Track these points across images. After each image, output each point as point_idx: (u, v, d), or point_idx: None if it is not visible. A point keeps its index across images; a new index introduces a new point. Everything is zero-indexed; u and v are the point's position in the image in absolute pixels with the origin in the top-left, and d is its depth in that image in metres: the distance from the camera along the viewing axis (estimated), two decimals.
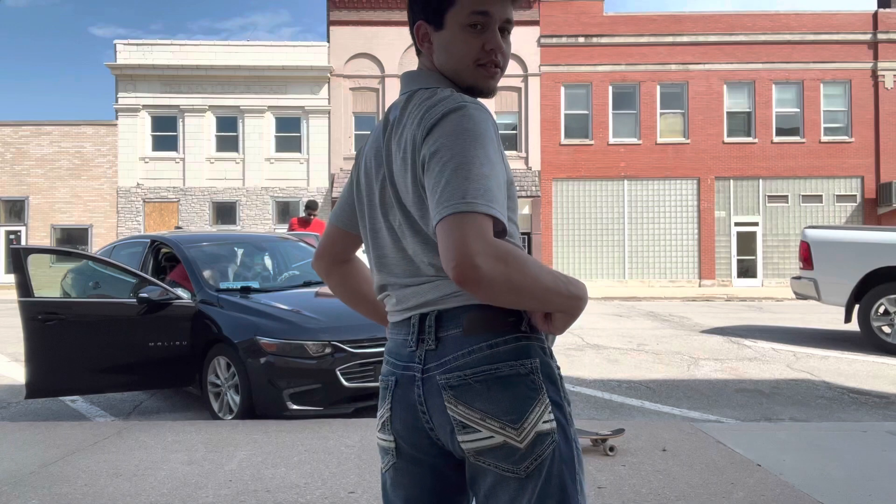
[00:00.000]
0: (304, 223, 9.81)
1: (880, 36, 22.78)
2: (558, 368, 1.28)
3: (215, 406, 5.20)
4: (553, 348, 1.27)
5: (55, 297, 5.43)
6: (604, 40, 22.91)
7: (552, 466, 1.20)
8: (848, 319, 8.62)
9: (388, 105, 23.19)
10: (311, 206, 10.10)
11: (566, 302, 1.18)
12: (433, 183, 1.14)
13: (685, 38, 22.93)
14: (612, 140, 22.92)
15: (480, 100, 1.31)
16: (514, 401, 1.19)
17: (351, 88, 23.29)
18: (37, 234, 23.01)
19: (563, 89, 23.10)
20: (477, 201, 1.10)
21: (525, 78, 23.13)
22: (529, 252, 22.75)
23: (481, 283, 1.08)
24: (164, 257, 6.67)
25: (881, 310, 8.28)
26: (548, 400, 1.21)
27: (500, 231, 1.16)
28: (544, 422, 1.19)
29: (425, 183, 1.18)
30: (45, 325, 5.01)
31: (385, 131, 1.31)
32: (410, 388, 1.26)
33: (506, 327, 1.22)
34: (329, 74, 23.13)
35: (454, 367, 1.21)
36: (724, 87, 22.96)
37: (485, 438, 1.19)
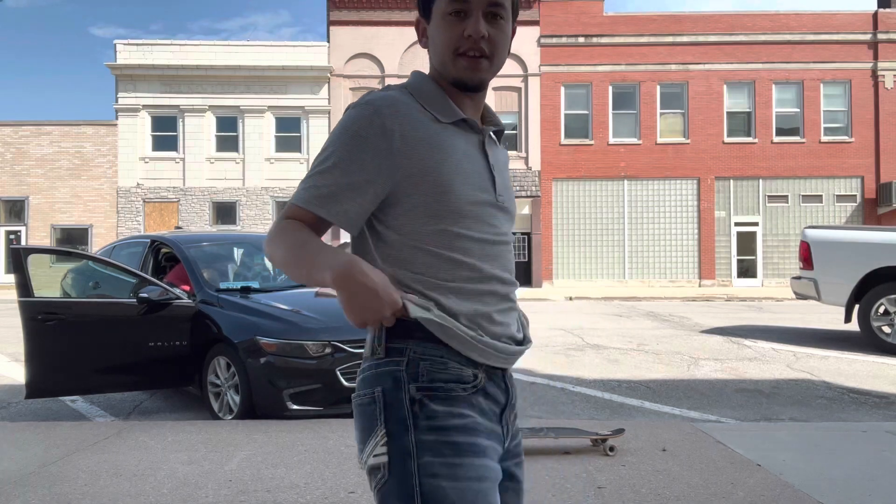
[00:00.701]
0: None
1: (880, 36, 22.78)
2: (422, 390, 1.16)
3: (215, 406, 5.20)
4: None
5: (55, 297, 5.43)
6: (604, 40, 22.91)
7: (384, 501, 1.15)
8: (848, 319, 8.62)
9: None
10: None
11: (313, 275, 1.13)
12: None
13: (685, 38, 22.93)
14: (612, 140, 22.92)
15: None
16: (361, 431, 1.21)
17: (351, 88, 23.29)
18: (37, 234, 23.01)
19: (563, 89, 23.10)
20: (296, 194, 1.21)
21: (525, 78, 23.13)
22: (529, 252, 22.75)
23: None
24: (164, 257, 6.67)
25: (881, 310, 8.28)
26: (383, 431, 1.15)
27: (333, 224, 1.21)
28: (374, 455, 1.15)
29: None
30: (45, 325, 5.01)
31: None
32: None
33: (369, 352, 1.24)
34: (329, 74, 23.13)
35: None
36: (724, 87, 22.96)
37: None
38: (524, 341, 1.32)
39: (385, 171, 1.19)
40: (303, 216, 1.20)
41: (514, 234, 1.09)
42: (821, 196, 22.93)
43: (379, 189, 1.19)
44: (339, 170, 1.19)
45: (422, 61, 21.37)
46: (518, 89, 23.19)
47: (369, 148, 1.18)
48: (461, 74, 1.26)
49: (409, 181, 1.19)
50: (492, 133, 1.33)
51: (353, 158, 1.18)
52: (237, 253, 6.69)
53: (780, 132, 22.94)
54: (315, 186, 1.19)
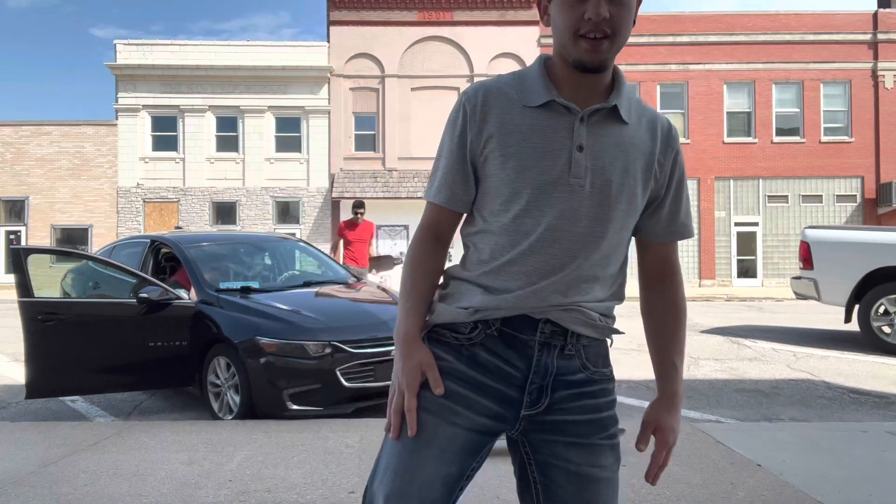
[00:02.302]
0: (352, 225, 9.13)
1: (880, 36, 22.78)
2: (426, 329, 1.34)
3: (215, 406, 5.20)
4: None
5: (55, 297, 5.43)
6: None
7: None
8: (848, 319, 8.62)
9: (388, 104, 23.23)
10: (359, 206, 9.23)
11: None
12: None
13: (685, 38, 22.93)
14: None
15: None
16: None
17: (351, 88, 23.29)
18: (37, 234, 23.01)
19: None
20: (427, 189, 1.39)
21: None
22: None
23: None
24: (164, 257, 6.67)
25: (881, 310, 8.28)
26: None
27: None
28: None
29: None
30: (45, 325, 5.01)
31: None
32: None
33: None
34: (329, 74, 23.13)
35: None
36: (724, 87, 22.96)
37: None
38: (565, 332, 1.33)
39: (475, 148, 1.30)
40: (430, 212, 1.37)
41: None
42: (821, 196, 22.93)
43: (471, 170, 1.32)
44: (443, 158, 1.34)
45: (420, 61, 20.99)
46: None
47: (457, 132, 1.31)
48: (582, 56, 1.27)
49: (485, 164, 1.30)
50: (606, 112, 1.32)
51: (449, 144, 1.33)
52: (237, 253, 6.69)
53: (780, 132, 22.94)
54: (432, 177, 1.36)
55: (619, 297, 1.42)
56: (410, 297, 1.31)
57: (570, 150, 1.26)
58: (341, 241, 9.20)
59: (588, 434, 1.33)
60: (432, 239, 1.37)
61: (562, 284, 1.28)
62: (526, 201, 1.26)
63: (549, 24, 1.33)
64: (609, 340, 1.45)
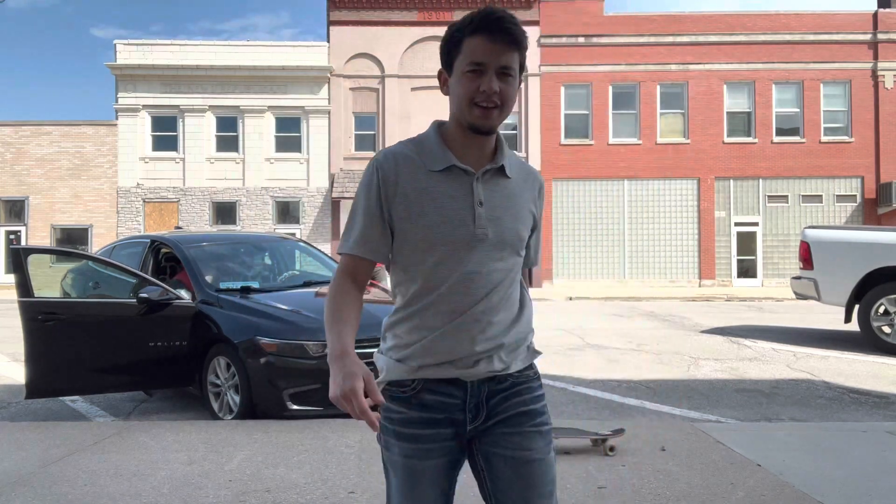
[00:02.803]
0: None
1: (880, 36, 22.77)
2: (384, 392, 1.60)
3: (215, 406, 5.20)
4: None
5: (55, 297, 5.43)
6: (604, 40, 22.90)
7: None
8: (848, 319, 8.62)
9: (388, 104, 23.23)
10: None
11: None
12: None
13: (685, 38, 22.92)
14: (612, 140, 22.92)
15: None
16: None
17: (351, 88, 23.29)
18: (37, 234, 23.00)
19: (563, 89, 23.10)
20: (340, 243, 1.60)
21: (525, 78, 23.12)
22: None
23: None
24: (164, 257, 6.67)
25: (881, 310, 8.28)
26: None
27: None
28: None
29: None
30: (45, 325, 5.01)
31: None
32: None
33: None
34: (329, 74, 23.12)
35: None
36: (724, 87, 22.96)
37: None
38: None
39: (385, 209, 1.52)
40: (347, 261, 1.58)
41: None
42: (821, 196, 22.93)
43: (383, 226, 1.53)
44: (360, 216, 1.55)
45: (420, 61, 21.05)
46: (518, 89, 23.16)
47: (373, 194, 1.52)
48: (475, 121, 1.51)
49: (397, 220, 1.52)
50: (493, 172, 1.57)
51: (366, 204, 1.53)
52: (237, 253, 6.69)
53: (780, 132, 22.93)
54: (348, 232, 1.57)
55: (528, 327, 1.65)
56: (338, 324, 1.56)
57: (472, 206, 1.51)
58: None
59: (519, 424, 1.56)
60: (351, 282, 1.59)
61: (477, 327, 1.53)
62: (441, 253, 1.50)
63: (447, 94, 1.59)
64: (528, 347, 1.64)
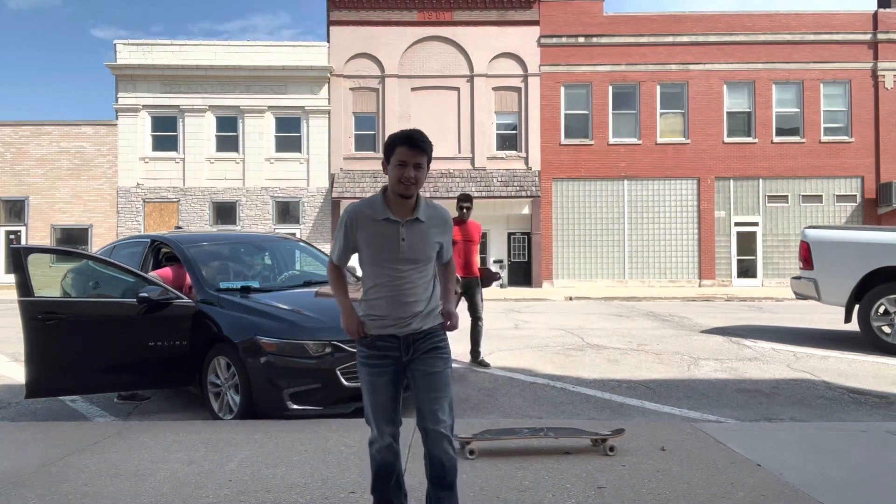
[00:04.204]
0: (458, 223, 7.28)
1: (880, 36, 22.77)
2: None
3: (215, 406, 5.20)
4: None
5: (55, 297, 5.43)
6: (604, 40, 22.91)
7: None
8: (848, 319, 8.62)
9: (388, 104, 23.24)
10: (465, 200, 7.45)
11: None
12: None
13: (685, 38, 22.92)
14: (612, 140, 22.92)
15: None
16: None
17: (351, 88, 23.29)
18: (37, 234, 23.01)
19: (563, 89, 23.10)
20: (331, 254, 2.92)
21: (525, 78, 23.13)
22: (529, 252, 22.79)
23: None
24: (164, 257, 6.66)
25: (881, 310, 8.27)
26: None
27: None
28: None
29: None
30: (45, 324, 5.01)
31: None
32: None
33: None
34: (329, 74, 23.12)
35: None
36: (724, 87, 22.96)
37: None
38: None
39: (352, 240, 2.76)
40: (336, 265, 2.90)
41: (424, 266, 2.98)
42: (821, 196, 22.92)
43: (352, 249, 2.78)
44: (340, 242, 2.80)
45: (420, 61, 21.10)
46: (518, 89, 23.19)
47: (345, 232, 2.76)
48: (401, 191, 2.68)
49: (360, 246, 2.75)
50: (413, 219, 2.73)
51: (343, 237, 2.77)
52: (237, 253, 6.68)
53: (780, 132, 22.93)
54: (334, 250, 2.86)
55: (436, 302, 2.82)
56: (341, 293, 2.86)
57: (398, 241, 2.68)
58: None
59: (427, 353, 2.74)
60: (340, 273, 2.91)
61: (404, 305, 2.71)
62: (381, 265, 2.70)
63: (387, 173, 2.70)
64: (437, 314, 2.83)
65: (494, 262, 7.83)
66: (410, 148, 2.63)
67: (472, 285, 7.28)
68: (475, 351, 7.35)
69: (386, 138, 3.00)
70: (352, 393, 4.96)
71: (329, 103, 23.16)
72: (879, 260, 8.29)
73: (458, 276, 7.05)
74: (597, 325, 11.26)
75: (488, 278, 7.55)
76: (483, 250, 20.65)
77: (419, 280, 2.70)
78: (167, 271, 6.01)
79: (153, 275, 5.91)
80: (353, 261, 2.88)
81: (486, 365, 7.26)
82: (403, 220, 2.68)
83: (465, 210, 7.37)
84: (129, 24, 77.50)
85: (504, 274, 7.59)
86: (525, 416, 5.31)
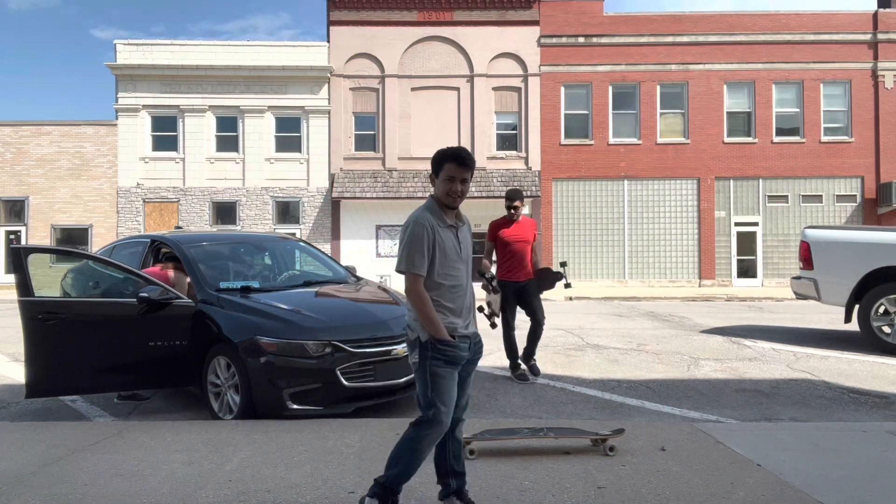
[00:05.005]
0: (508, 223, 6.62)
1: (880, 36, 22.77)
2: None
3: (215, 406, 5.20)
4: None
5: (55, 297, 5.43)
6: (604, 40, 22.90)
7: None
8: (848, 319, 8.62)
9: (388, 104, 23.23)
10: (514, 197, 6.57)
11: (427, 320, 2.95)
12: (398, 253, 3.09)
13: (685, 38, 22.92)
14: (612, 140, 22.92)
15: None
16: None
17: (351, 88, 23.28)
18: (37, 234, 23.01)
19: (563, 89, 23.09)
20: (405, 266, 2.96)
21: (525, 78, 23.13)
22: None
23: None
24: (165, 257, 6.66)
25: (881, 310, 8.27)
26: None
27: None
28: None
29: None
30: (45, 324, 5.01)
31: None
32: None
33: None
34: (329, 74, 23.12)
35: None
36: (724, 87, 22.95)
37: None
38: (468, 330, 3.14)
39: (431, 248, 2.94)
40: (417, 277, 2.94)
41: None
42: (821, 196, 22.92)
43: (430, 257, 2.95)
44: (417, 251, 2.93)
45: (420, 61, 21.03)
46: (518, 89, 23.19)
47: (428, 239, 2.93)
48: (449, 204, 3.01)
49: (434, 253, 2.96)
50: (461, 225, 3.11)
51: (421, 245, 2.93)
52: (237, 253, 6.68)
53: (780, 132, 22.92)
54: (411, 260, 2.92)
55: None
56: (430, 304, 2.94)
57: (457, 244, 3.04)
58: (494, 247, 6.72)
59: (474, 356, 3.14)
60: (423, 287, 2.94)
61: (467, 302, 3.09)
62: (449, 268, 2.99)
63: (434, 185, 3.02)
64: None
65: (560, 264, 6.98)
66: (459, 165, 2.94)
67: (528, 289, 6.58)
68: (529, 353, 6.66)
69: (434, 154, 3.04)
70: (352, 393, 4.96)
71: (329, 103, 23.16)
72: (879, 260, 8.29)
73: (508, 280, 6.50)
74: (597, 324, 11.26)
75: (547, 279, 6.68)
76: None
77: (469, 279, 3.10)
78: (152, 271, 5.96)
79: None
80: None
81: (536, 373, 6.63)
82: (457, 226, 3.05)
83: (513, 210, 6.54)
84: (129, 24, 77.48)
85: (567, 272, 6.68)
86: (525, 416, 5.31)
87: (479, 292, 4.24)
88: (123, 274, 5.51)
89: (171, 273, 5.84)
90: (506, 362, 6.88)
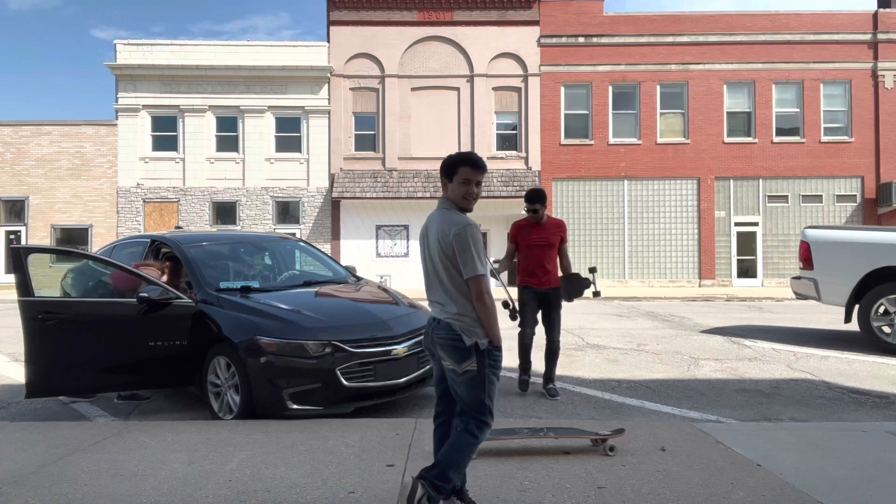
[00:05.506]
0: (531, 226, 5.99)
1: (880, 36, 22.77)
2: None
3: (215, 406, 5.19)
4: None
5: (55, 297, 5.43)
6: (604, 40, 22.90)
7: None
8: (848, 319, 8.62)
9: (388, 104, 23.22)
10: (535, 198, 5.88)
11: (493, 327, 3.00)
12: (461, 261, 2.97)
13: (685, 38, 22.92)
14: (612, 140, 22.92)
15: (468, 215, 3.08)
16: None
17: (351, 88, 23.28)
18: (37, 234, 23.00)
19: (563, 89, 23.09)
20: (475, 268, 2.95)
21: (525, 78, 23.13)
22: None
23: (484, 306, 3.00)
24: (164, 257, 6.66)
25: (881, 310, 8.27)
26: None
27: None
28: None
29: (456, 259, 2.96)
30: (45, 324, 5.01)
31: (428, 225, 3.14)
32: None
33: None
34: (329, 74, 23.12)
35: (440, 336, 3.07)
36: (724, 87, 22.95)
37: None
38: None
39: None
40: (485, 278, 2.94)
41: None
42: (821, 196, 22.92)
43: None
44: (481, 253, 2.97)
45: (420, 61, 20.99)
46: (518, 89, 23.18)
47: (481, 241, 2.98)
48: (466, 207, 3.07)
49: None
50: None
51: (481, 246, 2.98)
52: (237, 253, 6.68)
53: (780, 132, 22.92)
54: (477, 263, 2.93)
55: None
56: (496, 313, 3.00)
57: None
58: (516, 249, 6.11)
59: None
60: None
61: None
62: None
63: (446, 189, 3.09)
64: None
65: (589, 270, 5.98)
66: (474, 168, 3.03)
67: (550, 299, 5.90)
68: (548, 377, 6.05)
69: (446, 158, 3.11)
70: (352, 393, 4.96)
71: (329, 103, 23.16)
72: (879, 260, 8.29)
73: (529, 285, 5.95)
74: (597, 324, 11.26)
75: (574, 286, 5.96)
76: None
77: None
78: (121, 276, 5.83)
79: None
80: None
81: (554, 395, 5.94)
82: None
83: (531, 212, 5.89)
84: (129, 24, 77.49)
85: (596, 278, 5.66)
86: (525, 416, 5.31)
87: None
88: (123, 274, 5.50)
89: (150, 270, 5.75)
90: (507, 363, 6.83)
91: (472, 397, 2.96)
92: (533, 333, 6.01)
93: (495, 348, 2.97)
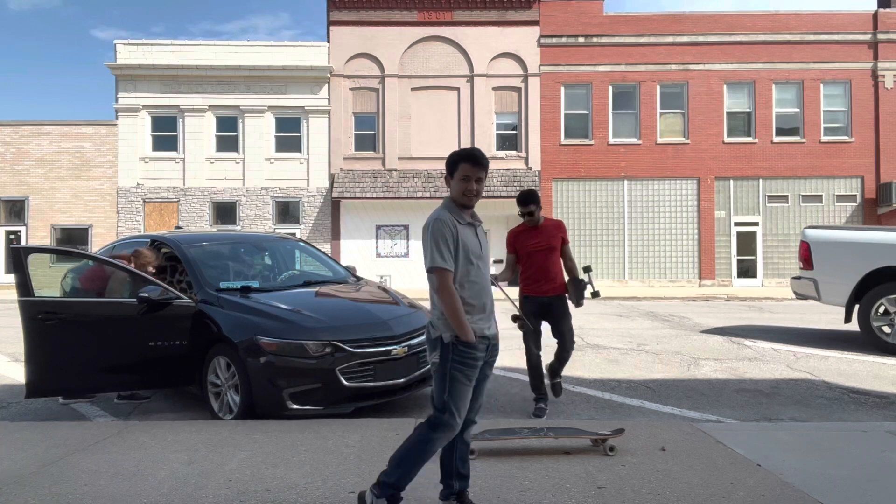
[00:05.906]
0: (527, 232, 5.49)
1: (880, 36, 22.77)
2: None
3: (215, 406, 5.19)
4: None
5: (55, 297, 5.43)
6: (604, 40, 22.90)
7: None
8: (848, 319, 8.62)
9: (388, 104, 23.23)
10: (528, 201, 5.39)
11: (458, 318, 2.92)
12: (423, 253, 3.07)
13: (685, 38, 22.92)
14: (612, 140, 22.92)
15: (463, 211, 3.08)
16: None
17: (351, 88, 23.28)
18: (37, 234, 23.00)
19: (563, 89, 23.09)
20: (434, 260, 2.94)
21: (525, 78, 23.12)
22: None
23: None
24: (165, 257, 6.66)
25: (881, 310, 8.27)
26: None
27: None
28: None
29: None
30: (45, 324, 5.01)
31: None
32: None
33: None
34: (329, 74, 23.12)
35: None
36: (724, 87, 22.95)
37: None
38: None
39: (456, 244, 2.95)
40: (447, 273, 2.91)
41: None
42: (821, 196, 22.92)
43: (457, 252, 2.96)
44: (444, 248, 2.92)
45: (420, 61, 21.01)
46: (518, 89, 23.18)
47: (453, 236, 2.94)
48: (465, 203, 3.03)
49: (456, 250, 2.96)
50: (478, 224, 3.12)
51: (446, 241, 2.93)
52: (237, 253, 6.68)
53: (780, 132, 22.92)
54: (439, 256, 2.91)
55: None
56: (460, 303, 2.91)
57: (479, 241, 3.08)
58: (516, 259, 5.54)
59: (491, 359, 3.10)
60: (451, 282, 2.92)
61: (487, 299, 3.09)
62: (473, 263, 3.00)
63: (448, 186, 3.06)
64: None
65: (584, 269, 5.38)
66: (473, 165, 2.97)
67: (555, 307, 5.40)
68: (554, 371, 5.59)
69: (448, 156, 3.07)
70: (352, 393, 4.96)
71: (329, 103, 23.16)
72: (879, 260, 8.29)
73: (531, 294, 5.42)
74: (597, 324, 11.26)
75: (576, 291, 5.43)
76: None
77: (488, 279, 3.12)
78: (90, 271, 5.74)
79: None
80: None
81: (558, 393, 5.64)
82: (475, 223, 3.09)
83: (527, 215, 5.40)
84: (129, 24, 77.48)
85: (592, 277, 5.45)
86: (525, 416, 5.31)
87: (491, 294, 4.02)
88: (123, 274, 5.50)
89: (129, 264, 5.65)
90: (508, 363, 6.87)
91: (434, 391, 2.94)
92: (539, 349, 5.37)
93: (463, 344, 2.87)
